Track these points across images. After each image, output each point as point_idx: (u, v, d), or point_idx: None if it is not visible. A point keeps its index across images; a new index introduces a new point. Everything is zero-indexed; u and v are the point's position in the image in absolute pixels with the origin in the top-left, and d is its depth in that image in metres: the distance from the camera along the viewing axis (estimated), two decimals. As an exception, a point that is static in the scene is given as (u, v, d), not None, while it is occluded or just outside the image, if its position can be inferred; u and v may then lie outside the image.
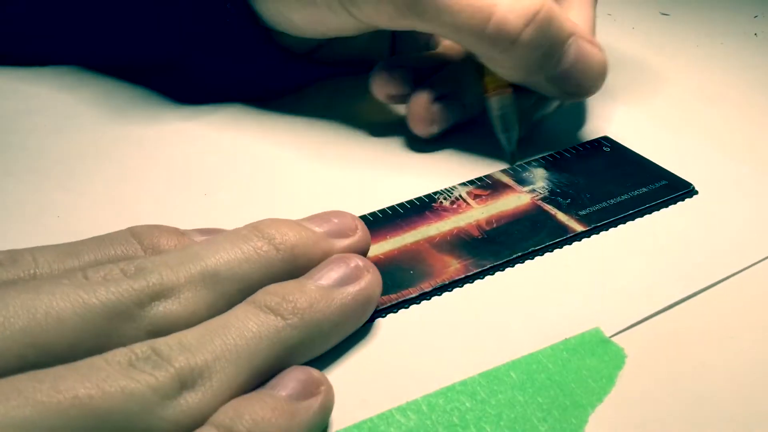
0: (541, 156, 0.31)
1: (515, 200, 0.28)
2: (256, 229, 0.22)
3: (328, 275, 0.22)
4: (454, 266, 0.25)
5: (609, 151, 0.32)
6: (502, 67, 0.29)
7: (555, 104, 0.33)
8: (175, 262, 0.20)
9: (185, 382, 0.18)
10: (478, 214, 0.27)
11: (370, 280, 0.22)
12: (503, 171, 0.30)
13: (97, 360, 0.17)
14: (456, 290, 0.24)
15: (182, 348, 0.18)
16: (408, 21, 0.29)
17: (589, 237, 0.27)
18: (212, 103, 0.35)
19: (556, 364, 0.22)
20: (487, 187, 0.29)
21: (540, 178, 0.30)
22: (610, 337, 0.23)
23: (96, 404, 0.16)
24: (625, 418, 0.20)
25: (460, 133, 0.32)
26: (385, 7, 0.28)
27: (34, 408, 0.16)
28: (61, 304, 0.18)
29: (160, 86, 0.36)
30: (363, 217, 0.27)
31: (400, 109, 0.34)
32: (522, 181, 0.29)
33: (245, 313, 0.20)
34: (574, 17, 0.31)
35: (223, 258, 0.21)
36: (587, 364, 0.22)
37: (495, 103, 0.31)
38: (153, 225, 0.23)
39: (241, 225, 0.23)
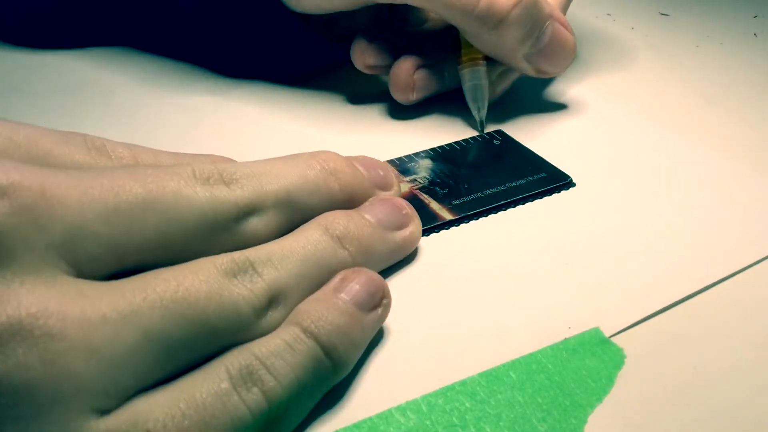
0: (430, 147, 0.32)
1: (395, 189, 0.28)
2: (325, 163, 0.24)
3: (385, 215, 0.24)
4: None
5: (498, 144, 0.32)
6: (486, 43, 0.32)
7: (516, 76, 0.35)
8: (264, 178, 0.22)
9: (273, 299, 0.20)
10: None
11: (415, 227, 0.25)
12: (391, 161, 0.30)
13: (205, 263, 0.19)
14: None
15: (271, 264, 0.21)
16: None
17: (458, 226, 0.27)
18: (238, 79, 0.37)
19: (555, 364, 0.22)
20: None
21: (424, 169, 0.30)
22: (610, 337, 0.23)
23: (202, 304, 0.18)
24: (625, 418, 0.20)
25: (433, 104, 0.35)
26: None
27: (152, 305, 0.18)
28: (184, 200, 0.20)
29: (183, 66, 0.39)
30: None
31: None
32: (406, 171, 0.30)
33: (317, 237, 0.22)
34: None
35: (300, 186, 0.23)
36: (587, 364, 0.22)
37: (468, 74, 0.33)
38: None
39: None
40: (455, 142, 0.32)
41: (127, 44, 0.40)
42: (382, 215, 0.24)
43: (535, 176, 0.30)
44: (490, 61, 0.33)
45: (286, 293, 0.21)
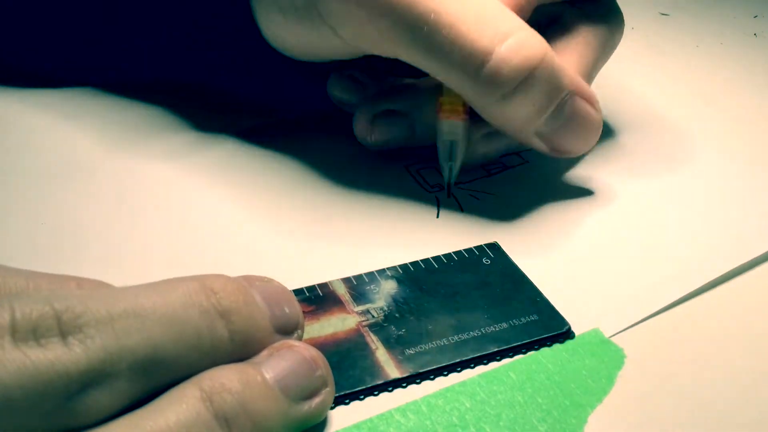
0: (399, 264, 0.25)
1: (338, 323, 0.22)
2: (214, 298, 0.18)
3: (293, 378, 0.18)
4: None
5: (488, 264, 0.25)
6: (491, 115, 0.27)
7: (507, 144, 0.30)
8: (122, 325, 0.16)
9: None
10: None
11: (329, 394, 0.19)
12: (345, 280, 0.24)
13: None
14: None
15: None
16: (394, 49, 0.27)
17: (404, 387, 0.21)
18: (220, 132, 0.33)
19: (555, 364, 0.22)
20: (314, 300, 0.23)
21: (384, 295, 0.23)
22: (610, 337, 0.23)
23: None
24: (625, 418, 0.20)
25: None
26: (369, 31, 0.26)
27: None
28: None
29: (179, 106, 0.35)
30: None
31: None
32: (361, 297, 0.23)
33: (192, 415, 0.16)
34: (573, 59, 0.29)
35: (173, 338, 0.17)
36: (587, 364, 0.22)
37: (445, 126, 0.28)
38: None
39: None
40: (435, 257, 0.25)
41: (89, 83, 0.36)
42: (289, 379, 0.18)
43: (523, 319, 0.23)
44: (476, 116, 0.28)
45: None
